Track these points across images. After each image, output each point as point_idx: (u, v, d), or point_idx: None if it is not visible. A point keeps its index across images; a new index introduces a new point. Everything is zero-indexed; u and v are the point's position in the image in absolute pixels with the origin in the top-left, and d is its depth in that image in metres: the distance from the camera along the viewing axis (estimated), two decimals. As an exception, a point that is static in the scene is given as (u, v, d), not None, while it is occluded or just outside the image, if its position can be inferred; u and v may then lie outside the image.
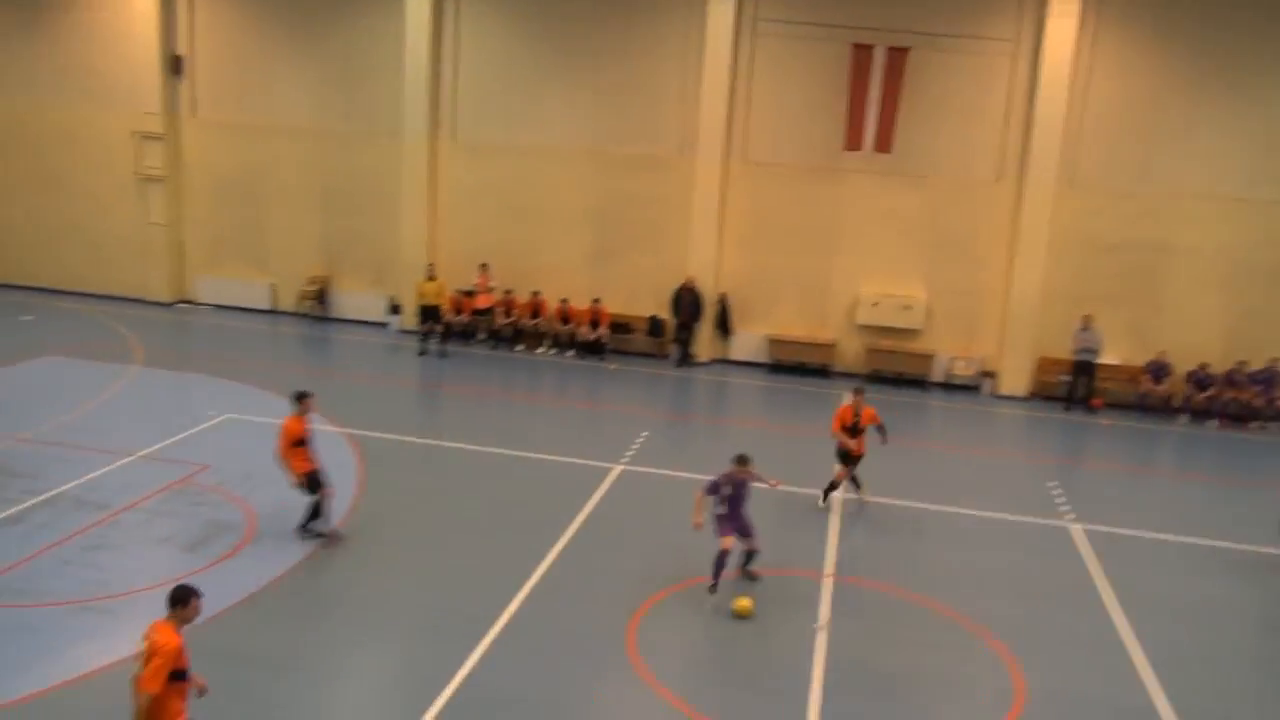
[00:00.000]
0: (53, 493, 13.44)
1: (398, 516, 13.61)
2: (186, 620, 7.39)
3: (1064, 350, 21.53)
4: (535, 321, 23.26)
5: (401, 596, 11.49)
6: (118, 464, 14.67)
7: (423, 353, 22.25)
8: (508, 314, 23.34)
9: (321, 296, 24.61)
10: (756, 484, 12.05)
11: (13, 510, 12.83)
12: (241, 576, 11.53)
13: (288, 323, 24.45)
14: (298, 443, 12.39)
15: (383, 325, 24.25)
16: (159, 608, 10.63)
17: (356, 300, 24.66)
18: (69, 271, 25.65)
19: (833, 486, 14.76)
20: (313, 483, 12.53)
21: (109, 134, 24.80)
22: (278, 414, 17.03)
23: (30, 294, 25.32)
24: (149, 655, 7.07)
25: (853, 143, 21.64)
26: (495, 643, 10.44)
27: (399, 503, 14.07)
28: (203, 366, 20.10)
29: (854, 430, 14.46)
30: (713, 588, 11.64)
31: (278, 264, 25.03)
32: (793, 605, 11.74)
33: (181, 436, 15.93)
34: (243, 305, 25.11)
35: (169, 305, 25.22)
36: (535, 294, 23.24)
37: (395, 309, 24.12)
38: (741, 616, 11.34)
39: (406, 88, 23.03)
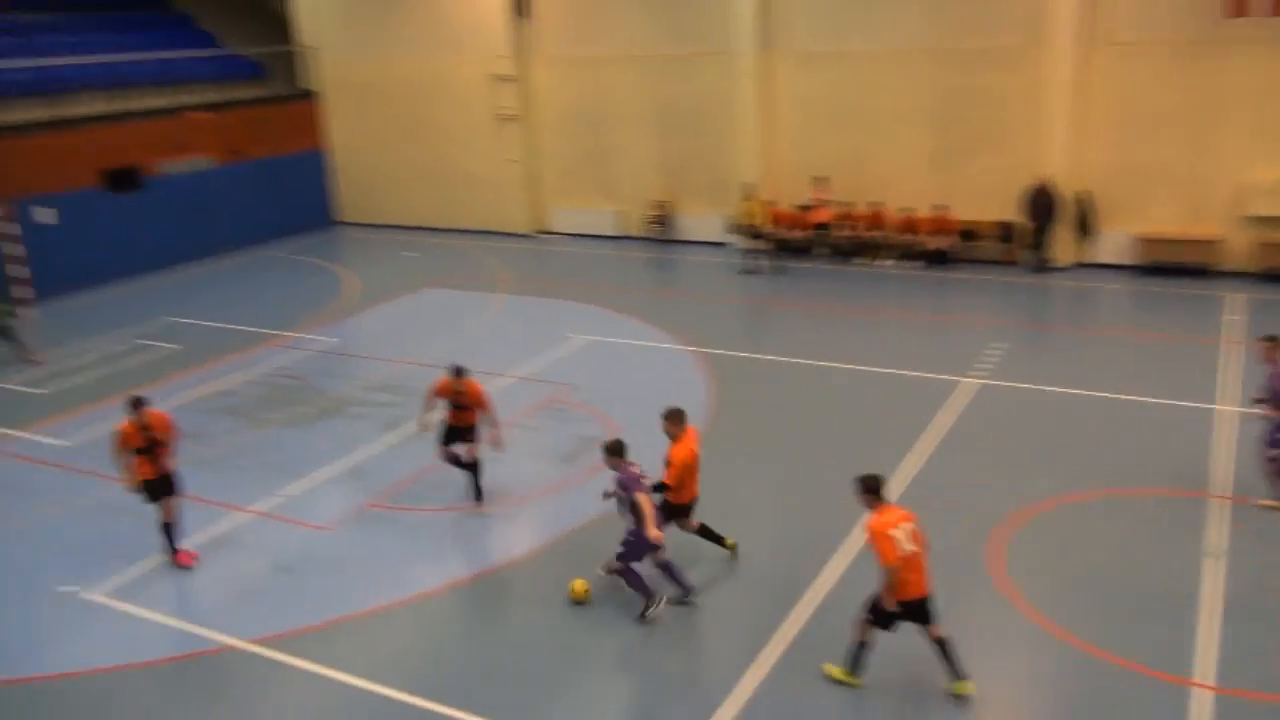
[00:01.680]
0: (445, 410, 15.03)
1: (747, 431, 13.96)
2: None
3: None
4: (876, 233, 22.74)
5: (758, 508, 11.85)
6: (496, 384, 16.12)
7: (747, 271, 22.40)
8: (849, 227, 22.98)
9: (664, 220, 25.46)
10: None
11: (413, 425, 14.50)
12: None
13: (635, 247, 25.54)
14: (136, 450, 10.74)
15: (723, 245, 24.72)
16: (549, 511, 11.69)
17: (697, 222, 25.27)
18: (441, 210, 28.26)
19: None
20: (152, 490, 10.86)
21: (466, 79, 26.84)
22: (629, 335, 18.17)
23: (410, 232, 28.20)
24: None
25: (1236, 7, 19.05)
26: (850, 558, 10.54)
27: (747, 417, 14.43)
28: (561, 292, 21.52)
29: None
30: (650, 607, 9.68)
31: (623, 191, 26.13)
32: (1179, 528, 10.88)
33: (547, 358, 17.22)
34: (594, 233, 26.52)
35: (528, 236, 27.14)
36: (875, 205, 22.70)
37: (734, 229, 24.48)
38: (579, 600, 9.93)
39: (734, 4, 22.99)
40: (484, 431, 12.04)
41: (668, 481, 10.02)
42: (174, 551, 11.01)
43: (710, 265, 23.51)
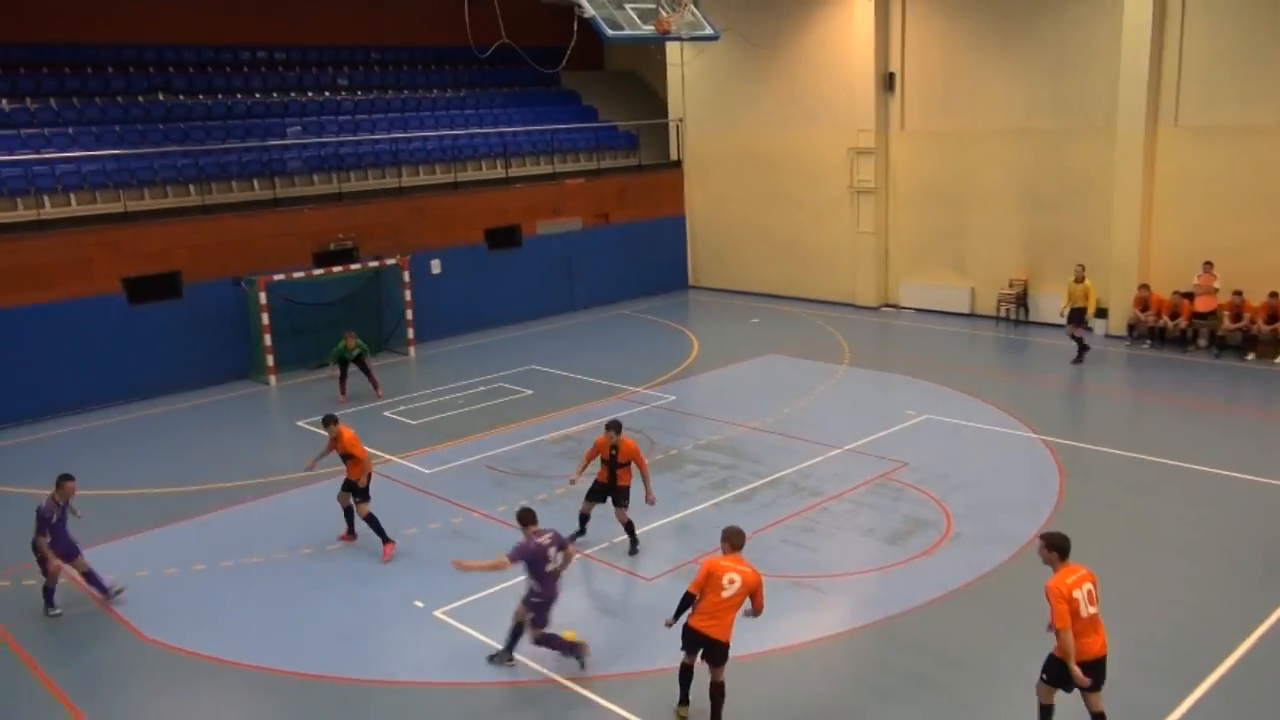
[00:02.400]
0: (774, 476, 15.03)
1: (1099, 532, 12.76)
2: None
3: None
4: (1275, 327, 20.21)
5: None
6: (828, 455, 15.91)
7: (1078, 360, 20.68)
8: (1236, 318, 20.63)
9: (1021, 300, 24.16)
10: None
11: (743, 489, 14.60)
12: (938, 574, 11.75)
13: (985, 326, 24.43)
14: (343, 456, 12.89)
15: (1087, 329, 23.00)
16: (865, 592, 11.33)
17: (1056, 303, 23.70)
18: (788, 278, 28.57)
19: None
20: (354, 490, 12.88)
21: (826, 151, 27.10)
22: (974, 417, 17.30)
23: (758, 299, 28.70)
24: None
25: None
26: (1212, 688, 9.25)
27: (1100, 518, 13.21)
28: (904, 368, 20.94)
29: None
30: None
31: (977, 267, 25.15)
32: None
33: (884, 433, 16.74)
34: (942, 309, 25.69)
35: (874, 309, 26.75)
36: (1274, 295, 20.21)
37: (1101, 312, 22.72)
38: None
39: (1123, 74, 21.58)
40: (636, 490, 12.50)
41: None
42: (384, 541, 12.79)
43: (1069, 349, 21.96)
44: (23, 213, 19.86)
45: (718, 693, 8.82)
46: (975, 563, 11.99)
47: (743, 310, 27.54)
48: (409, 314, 23.47)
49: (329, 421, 13.07)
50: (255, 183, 23.00)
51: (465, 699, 9.73)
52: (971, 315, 25.24)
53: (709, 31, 19.78)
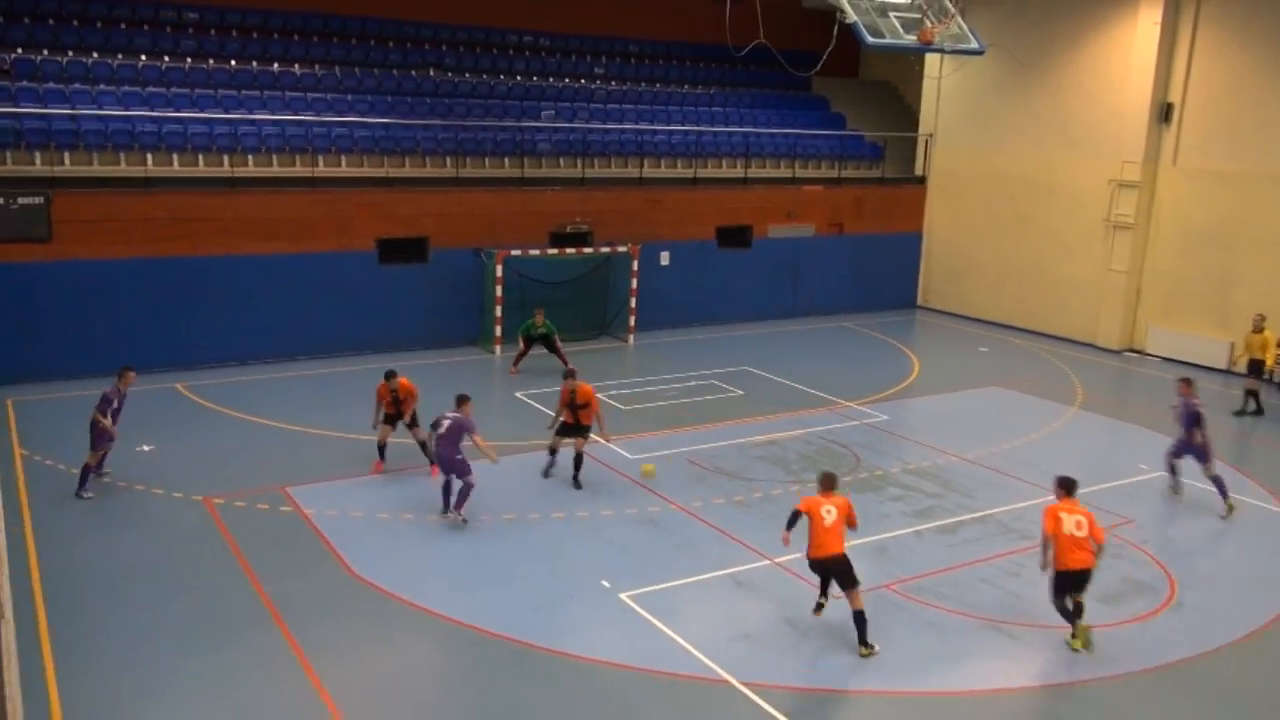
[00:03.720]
0: (983, 513, 14.38)
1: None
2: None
3: None
4: None
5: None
6: (1046, 499, 15.02)
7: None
8: None
9: (1287, 362, 22.03)
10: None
11: (948, 520, 14.06)
12: (1151, 643, 10.94)
13: (1240, 385, 22.40)
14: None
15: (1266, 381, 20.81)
16: (1065, 649, 10.68)
17: (1332, 371, 21.52)
18: (1026, 309, 27.23)
19: None
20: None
21: (1085, 181, 25.61)
22: (1230, 488, 15.93)
23: (989, 327, 27.50)
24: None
25: None
26: None
27: (1355, 613, 11.90)
28: (1142, 419, 19.55)
29: None
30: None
31: (1241, 322, 23.05)
32: None
33: (1110, 484, 15.70)
34: (1194, 361, 23.77)
35: (1116, 352, 25.10)
36: None
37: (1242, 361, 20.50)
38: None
39: None
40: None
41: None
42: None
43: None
44: (300, 169, 21.60)
45: (860, 620, 10.49)
46: (1196, 638, 11.06)
47: (971, 337, 26.48)
48: (632, 302, 23.93)
49: (389, 375, 15.14)
50: (505, 161, 24.06)
51: (634, 683, 9.85)
52: (1228, 372, 23.22)
53: (974, 45, 19.08)
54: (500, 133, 24.22)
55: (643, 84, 28.97)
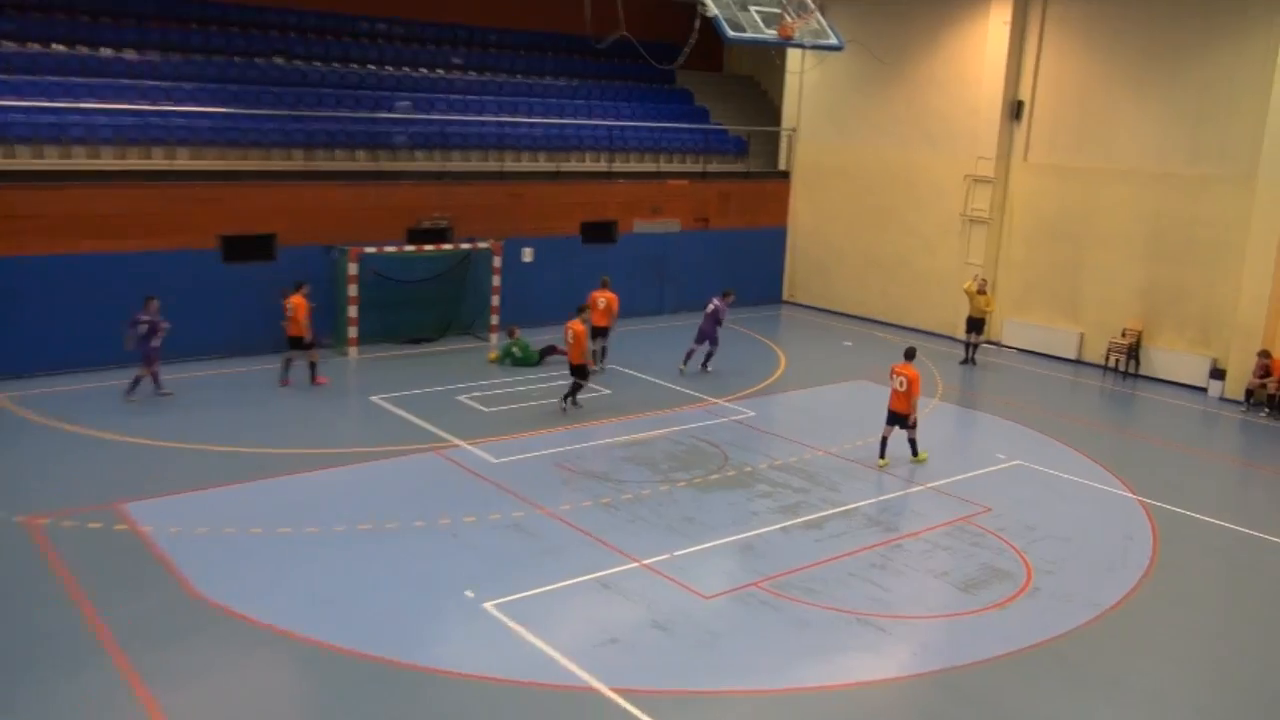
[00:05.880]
0: (849, 506, 14.71)
1: (1189, 605, 12.23)
2: None
3: None
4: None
5: (1178, 696, 10.24)
6: (908, 491, 15.53)
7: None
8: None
9: (1132, 351, 23.30)
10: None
11: (815, 515, 14.32)
12: (1011, 629, 11.36)
13: (1092, 375, 23.63)
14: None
15: (1200, 390, 22.12)
16: (931, 638, 11.02)
17: (1170, 359, 22.85)
18: (889, 303, 28.08)
19: None
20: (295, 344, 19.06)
21: (942, 176, 26.55)
22: (1069, 469, 16.74)
23: (854, 321, 28.25)
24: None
25: None
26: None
27: (1192, 591, 12.68)
28: (999, 409, 20.36)
29: None
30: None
31: (1089, 313, 24.35)
32: None
33: (969, 474, 16.28)
34: (1047, 352, 24.94)
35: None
36: None
37: (1219, 373, 21.81)
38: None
39: (1269, 125, 20.65)
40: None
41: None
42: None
43: (1181, 409, 21.14)
44: (134, 162, 20.55)
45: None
46: (1051, 621, 11.55)
47: (837, 332, 27.12)
48: (495, 300, 23.63)
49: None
50: (359, 154, 23.44)
51: (500, 696, 9.69)
52: (1078, 362, 24.44)
53: (833, 41, 19.50)
54: (354, 124, 23.57)
55: (503, 75, 28.65)
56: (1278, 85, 20.53)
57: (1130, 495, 15.77)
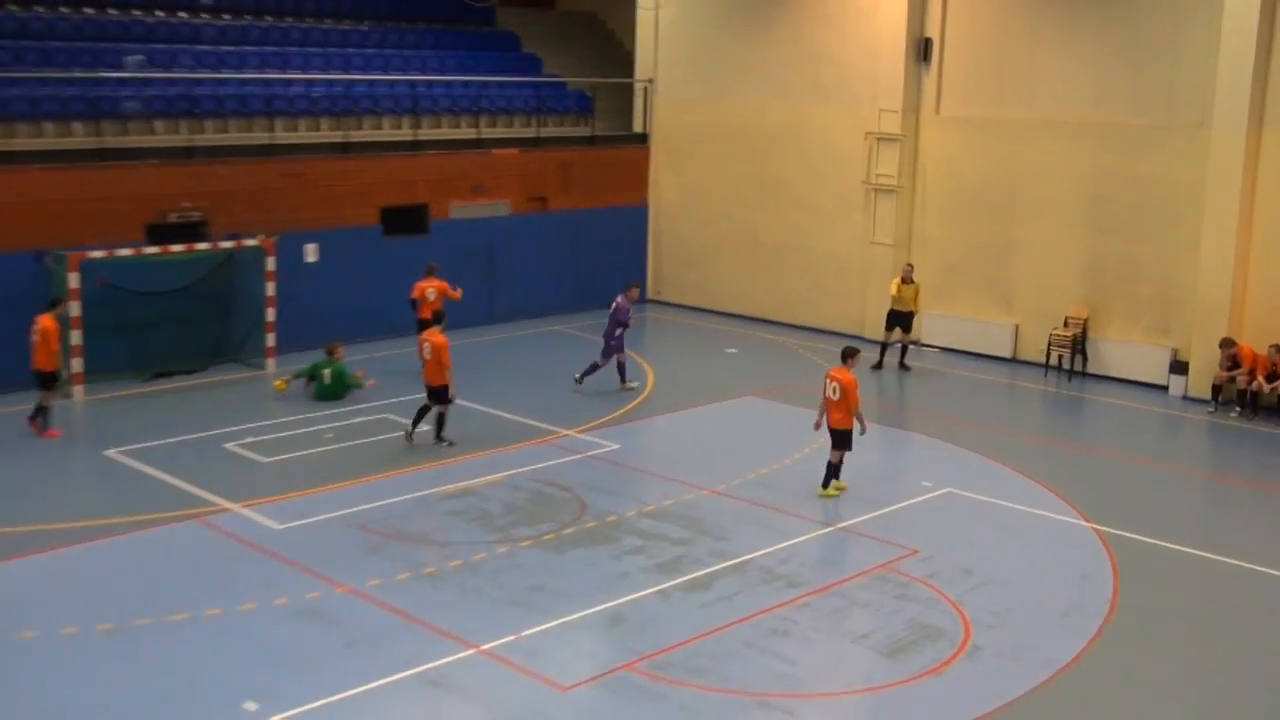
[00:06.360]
0: (742, 558, 14.90)
1: (1155, 650, 12.85)
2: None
3: None
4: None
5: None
6: (814, 534, 15.84)
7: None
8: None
9: (1078, 344, 24.33)
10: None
11: (701, 573, 14.45)
12: (947, 700, 11.66)
13: (1033, 376, 24.57)
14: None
15: (1160, 388, 23.25)
16: (852, 716, 11.19)
17: (1124, 352, 23.96)
18: (780, 299, 28.70)
19: None
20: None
21: (839, 136, 27.30)
22: (1009, 495, 17.35)
23: (737, 322, 28.77)
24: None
25: None
26: None
27: (1158, 632, 13.32)
28: (921, 425, 21.00)
29: None
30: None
31: (1025, 299, 25.32)
32: None
33: (890, 509, 16.72)
34: (976, 350, 25.83)
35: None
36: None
37: (1180, 367, 22.97)
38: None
39: (1221, 62, 21.89)
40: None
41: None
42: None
43: (1140, 413, 22.19)
44: None
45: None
46: (997, 687, 11.89)
47: (716, 336, 27.52)
48: (270, 314, 23.19)
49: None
50: (75, 126, 22.69)
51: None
52: (1014, 361, 25.38)
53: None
54: (65, 86, 22.82)
55: (268, 18, 28.19)
56: (1229, 13, 21.80)
57: (1083, 523, 16.39)
